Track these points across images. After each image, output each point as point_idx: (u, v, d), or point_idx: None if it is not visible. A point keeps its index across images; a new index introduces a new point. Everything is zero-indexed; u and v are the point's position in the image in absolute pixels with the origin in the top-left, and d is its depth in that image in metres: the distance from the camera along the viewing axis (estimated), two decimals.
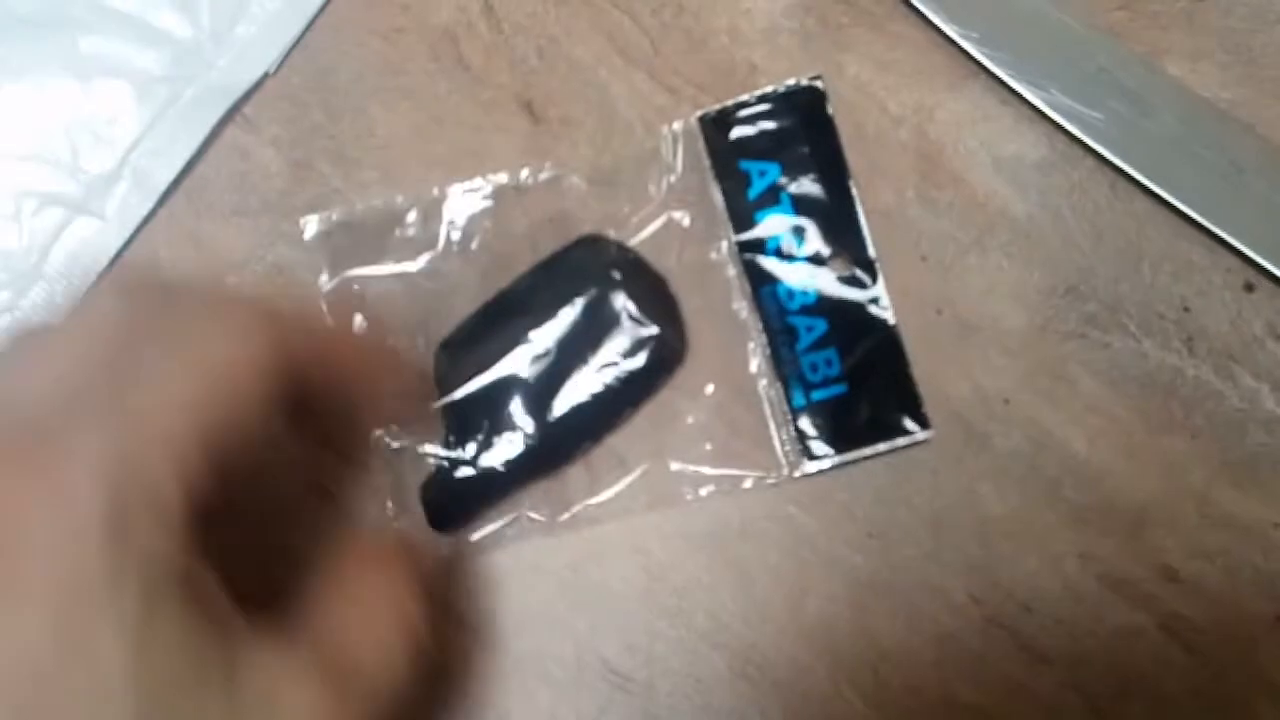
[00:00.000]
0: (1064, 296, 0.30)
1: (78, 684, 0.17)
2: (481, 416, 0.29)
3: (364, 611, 0.23)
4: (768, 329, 0.29)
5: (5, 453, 0.18)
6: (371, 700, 0.21)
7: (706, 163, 0.30)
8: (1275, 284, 0.29)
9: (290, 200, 0.31)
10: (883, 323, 0.29)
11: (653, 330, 0.29)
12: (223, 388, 0.19)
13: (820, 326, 0.29)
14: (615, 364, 0.29)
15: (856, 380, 0.29)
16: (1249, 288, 0.29)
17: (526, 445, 0.29)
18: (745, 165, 0.30)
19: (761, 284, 0.30)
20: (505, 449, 0.29)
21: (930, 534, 0.29)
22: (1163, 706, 0.28)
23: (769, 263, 0.30)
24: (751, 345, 0.30)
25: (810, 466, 0.29)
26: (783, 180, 0.30)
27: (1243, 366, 0.29)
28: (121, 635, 0.17)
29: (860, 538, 0.29)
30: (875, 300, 0.29)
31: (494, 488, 0.29)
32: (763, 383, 0.30)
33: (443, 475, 0.29)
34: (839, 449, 0.29)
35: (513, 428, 0.29)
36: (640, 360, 0.29)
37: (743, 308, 0.30)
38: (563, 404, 0.29)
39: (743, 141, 0.30)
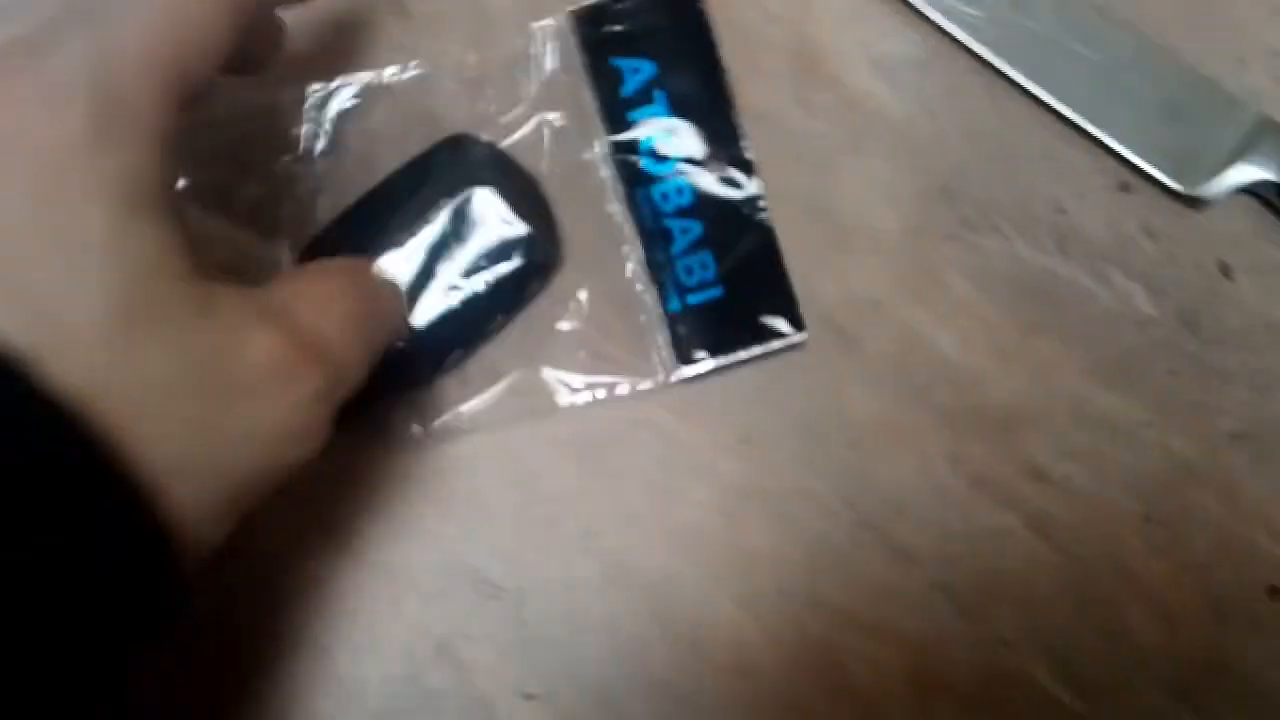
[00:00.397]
0: (939, 198, 0.29)
1: (57, 244, 0.18)
2: None
3: (326, 292, 0.23)
4: (642, 232, 0.29)
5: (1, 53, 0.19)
6: (328, 370, 0.21)
7: (578, 61, 0.29)
8: (1150, 183, 0.29)
9: None
10: (759, 224, 0.29)
11: (524, 231, 0.28)
12: (193, 13, 0.20)
13: (695, 229, 0.29)
14: (485, 268, 0.28)
15: (732, 283, 0.29)
16: (1124, 187, 0.29)
17: (394, 352, 0.28)
18: (617, 63, 0.29)
19: (636, 186, 0.29)
20: None
21: (801, 438, 0.29)
22: (1031, 605, 0.29)
23: (644, 164, 0.29)
24: (626, 249, 0.29)
25: (686, 371, 0.29)
26: (657, 78, 0.29)
27: (1116, 267, 0.29)
28: (103, 215, 0.18)
29: (732, 443, 0.29)
30: (752, 201, 0.29)
31: (361, 396, 0.29)
32: (638, 287, 0.29)
33: None
34: (715, 353, 0.29)
35: None
36: (513, 264, 0.28)
37: (617, 210, 0.29)
38: (431, 310, 0.28)
39: (615, 38, 0.29)
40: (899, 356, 0.29)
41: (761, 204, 0.29)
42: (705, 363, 0.29)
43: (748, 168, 0.29)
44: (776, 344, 0.29)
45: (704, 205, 0.29)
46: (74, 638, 0.17)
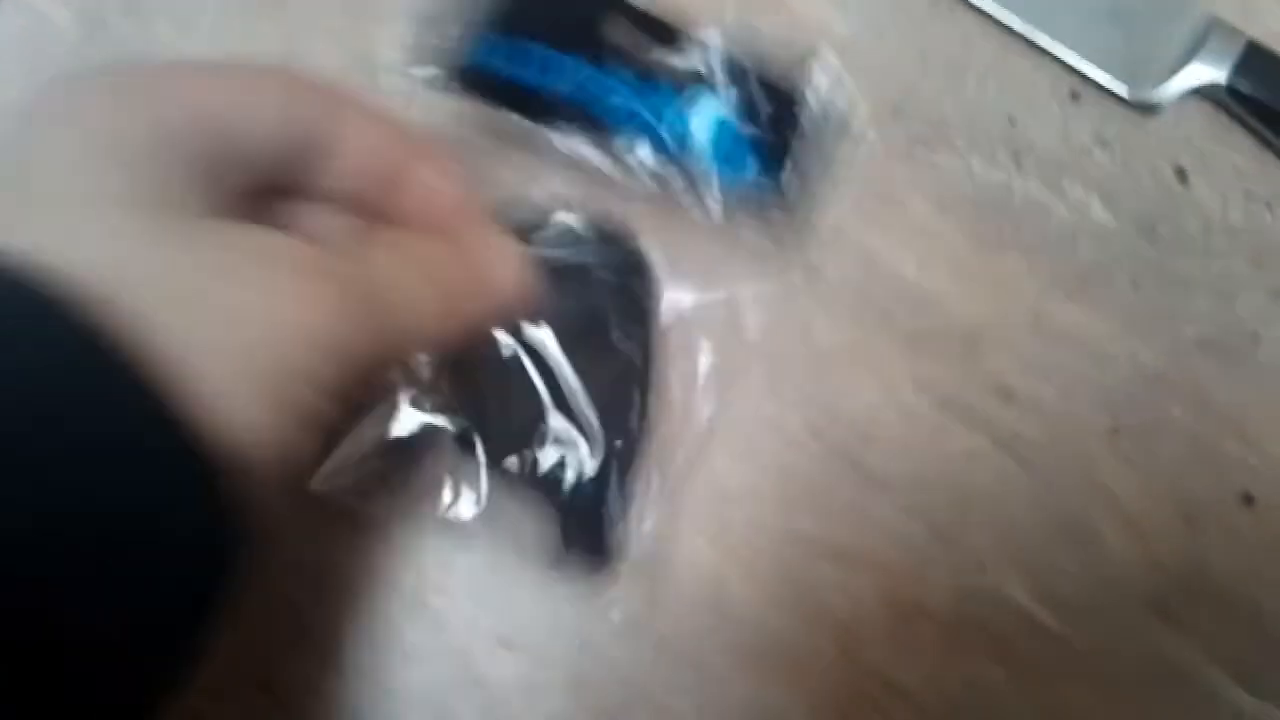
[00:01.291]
0: (889, 118, 0.29)
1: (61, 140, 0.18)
2: None
3: (412, 248, 0.22)
4: None
5: None
6: (375, 319, 0.20)
7: None
8: (1100, 92, 0.29)
9: (84, 62, 0.30)
10: None
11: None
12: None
13: None
14: None
15: None
16: (1074, 96, 0.30)
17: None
18: None
19: None
20: None
21: (765, 369, 0.29)
22: (1003, 524, 0.29)
23: None
24: None
25: None
26: None
27: (1072, 178, 0.29)
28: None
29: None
30: None
31: None
32: None
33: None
34: None
35: None
36: None
37: None
38: None
39: None
40: (860, 282, 0.29)
41: None
42: None
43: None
44: None
45: None
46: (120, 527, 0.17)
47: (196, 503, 0.17)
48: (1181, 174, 0.29)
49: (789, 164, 0.26)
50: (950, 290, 0.29)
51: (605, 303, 0.27)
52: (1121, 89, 0.29)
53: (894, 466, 0.29)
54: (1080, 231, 0.29)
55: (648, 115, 0.27)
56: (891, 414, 0.29)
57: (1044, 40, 0.29)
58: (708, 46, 0.26)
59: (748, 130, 0.26)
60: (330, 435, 0.26)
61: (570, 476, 0.27)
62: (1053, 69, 0.29)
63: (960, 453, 0.29)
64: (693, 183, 0.26)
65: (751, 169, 0.26)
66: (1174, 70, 0.28)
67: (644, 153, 0.27)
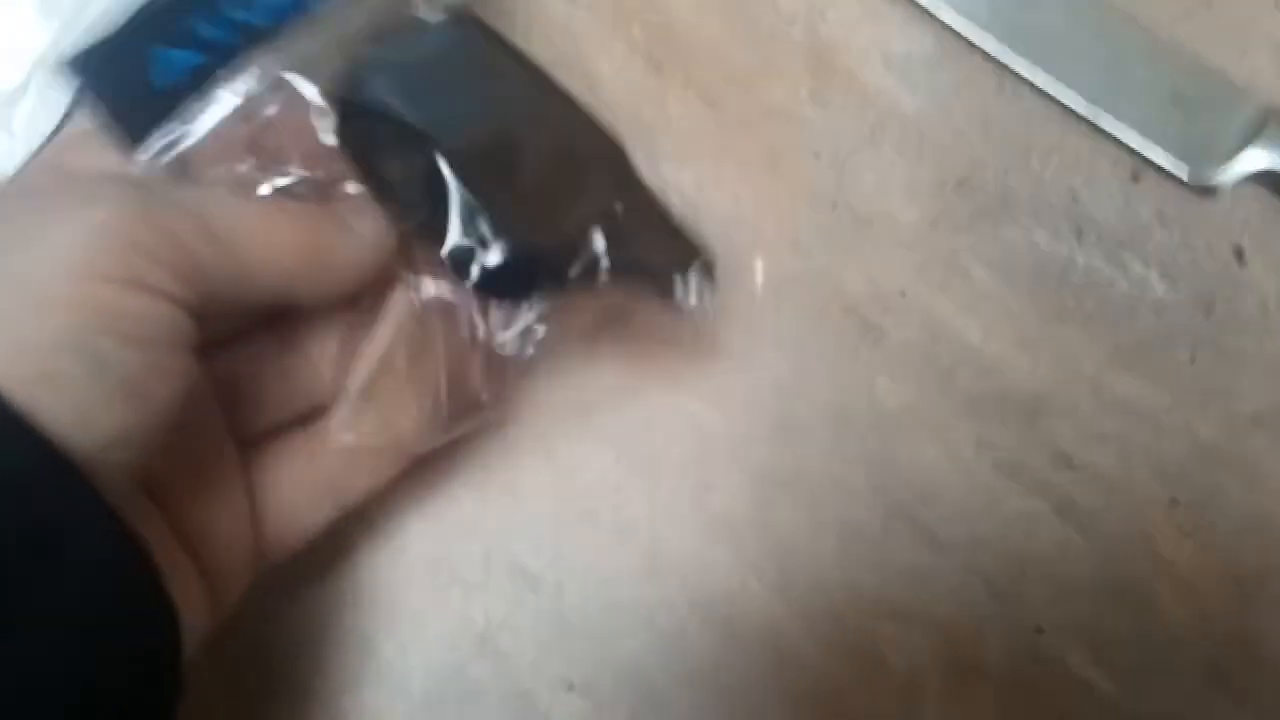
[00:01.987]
0: (955, 190, 0.31)
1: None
2: None
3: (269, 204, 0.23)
4: None
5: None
6: (198, 244, 0.21)
7: None
8: (1161, 173, 0.31)
9: None
10: None
11: None
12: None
13: None
14: None
15: None
16: (1135, 177, 0.31)
17: None
18: None
19: None
20: None
21: (830, 427, 0.31)
22: (1062, 588, 0.30)
23: None
24: None
25: None
26: None
27: (1132, 253, 0.31)
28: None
29: (764, 433, 0.31)
30: None
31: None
32: None
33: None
34: None
35: None
36: None
37: None
38: None
39: None
40: (924, 345, 0.31)
41: None
42: None
43: None
44: None
45: None
46: None
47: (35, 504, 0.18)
48: (1239, 254, 0.31)
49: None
50: (1013, 357, 0.31)
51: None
52: (1181, 171, 0.30)
53: (954, 527, 0.30)
54: (1140, 305, 0.31)
55: None
56: (952, 475, 0.30)
57: (1106, 122, 0.31)
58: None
59: None
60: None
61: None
62: (1115, 149, 0.31)
63: (1019, 515, 0.30)
64: None
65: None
66: (1232, 155, 0.30)
67: None
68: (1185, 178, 0.31)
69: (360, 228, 0.24)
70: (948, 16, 0.31)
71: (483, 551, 0.30)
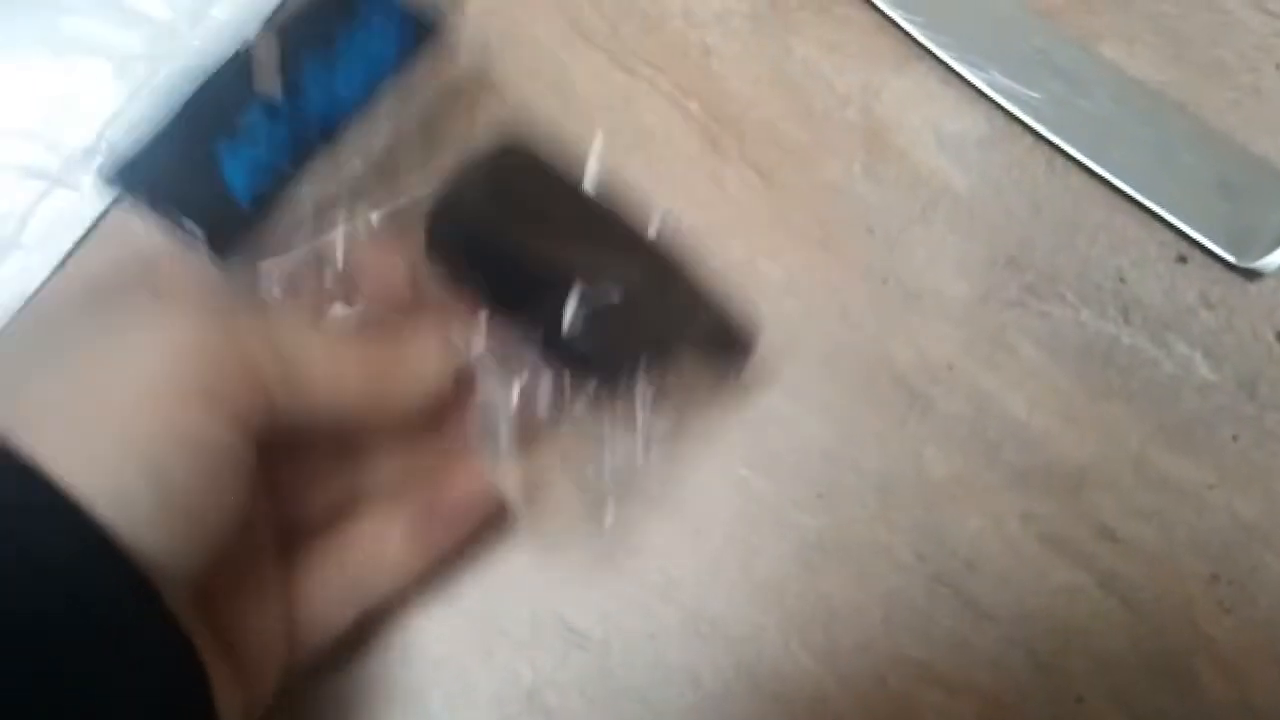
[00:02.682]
0: (1004, 267, 0.33)
1: None
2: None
3: (340, 338, 0.25)
4: None
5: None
6: (270, 374, 0.23)
7: None
8: (1206, 256, 0.32)
9: None
10: None
11: None
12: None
13: None
14: None
15: None
16: (1182, 260, 0.33)
17: None
18: None
19: None
20: None
21: (877, 495, 0.32)
22: (1104, 661, 0.31)
23: None
24: None
25: None
26: None
27: (1177, 335, 0.32)
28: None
29: (810, 499, 0.32)
30: None
31: None
32: None
33: None
34: None
35: None
36: None
37: None
38: None
39: None
40: (971, 418, 0.32)
41: None
42: None
43: None
44: None
45: None
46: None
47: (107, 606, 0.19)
48: None
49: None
50: (1058, 431, 0.32)
51: None
52: (1227, 255, 0.31)
53: (998, 597, 0.31)
54: (1184, 385, 0.32)
55: None
56: (996, 545, 0.31)
57: (1154, 205, 0.32)
58: None
59: None
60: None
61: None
62: (1162, 231, 0.32)
63: (1062, 587, 0.31)
64: None
65: None
66: (1277, 241, 0.31)
67: None
68: (1231, 261, 0.32)
69: (423, 365, 0.26)
70: (1000, 98, 0.33)
71: (530, 608, 0.32)
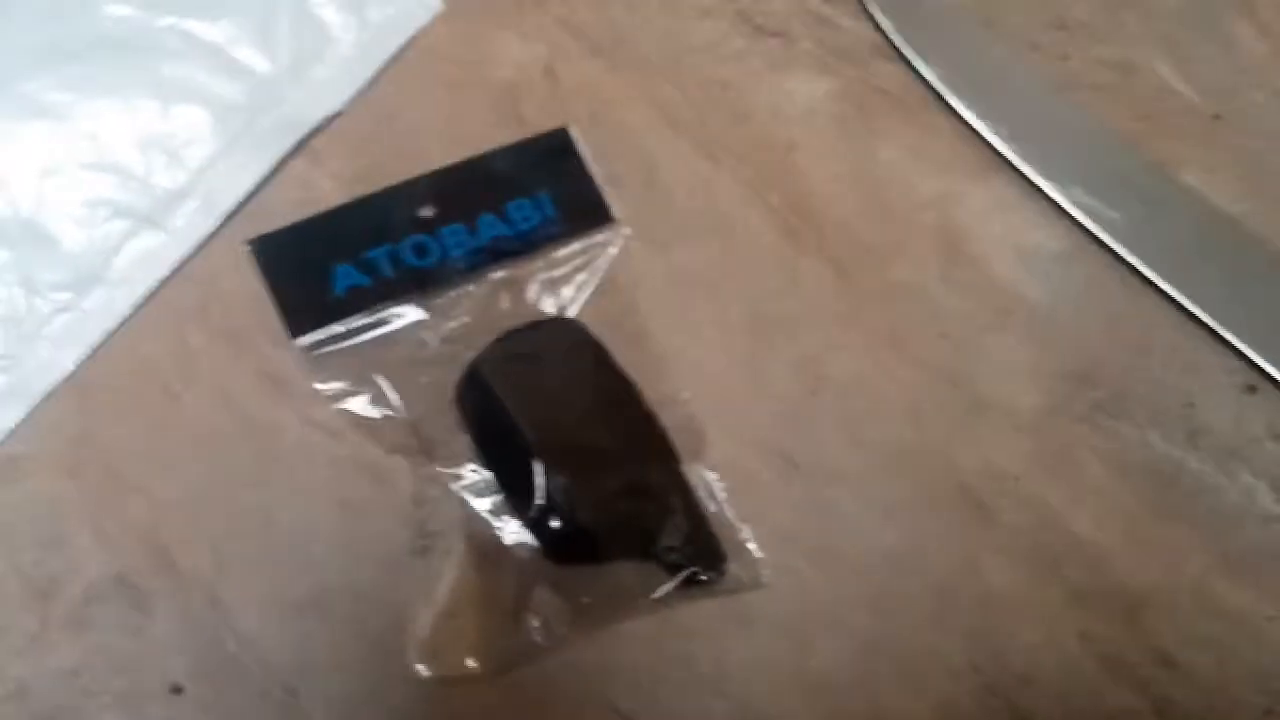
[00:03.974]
0: (1075, 382, 0.34)
1: None
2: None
3: None
4: None
5: None
6: None
7: None
8: (1275, 387, 0.34)
9: None
10: None
11: None
12: None
13: None
14: None
15: None
16: (1251, 389, 0.34)
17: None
18: None
19: None
20: None
21: (935, 600, 0.33)
22: None
23: None
24: None
25: None
26: None
27: (1243, 464, 0.34)
28: None
29: (867, 599, 0.33)
30: None
31: None
32: None
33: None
34: None
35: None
36: None
37: None
38: None
39: None
40: (1033, 531, 0.33)
41: None
42: None
43: None
44: None
45: None
46: None
47: None
48: None
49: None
50: (1120, 551, 0.33)
51: None
52: None
53: (1050, 714, 0.32)
54: (1247, 515, 0.33)
55: None
56: (1052, 661, 0.33)
57: (1227, 333, 0.34)
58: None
59: None
60: None
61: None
62: (1232, 359, 0.34)
63: (1116, 710, 0.32)
64: None
65: None
66: None
67: None
68: None
69: None
70: (1080, 214, 0.35)
71: (579, 690, 0.33)
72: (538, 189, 0.35)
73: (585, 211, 0.35)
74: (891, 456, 0.34)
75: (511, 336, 0.34)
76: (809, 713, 0.33)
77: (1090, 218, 0.35)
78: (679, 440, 0.34)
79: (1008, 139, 0.35)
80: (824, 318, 0.36)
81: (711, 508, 0.33)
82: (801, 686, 0.33)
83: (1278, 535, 0.33)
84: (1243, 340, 0.34)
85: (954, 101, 0.36)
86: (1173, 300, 0.34)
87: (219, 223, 0.36)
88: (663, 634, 0.33)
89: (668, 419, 0.34)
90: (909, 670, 0.33)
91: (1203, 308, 0.34)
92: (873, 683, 0.33)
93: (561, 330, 0.34)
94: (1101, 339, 0.34)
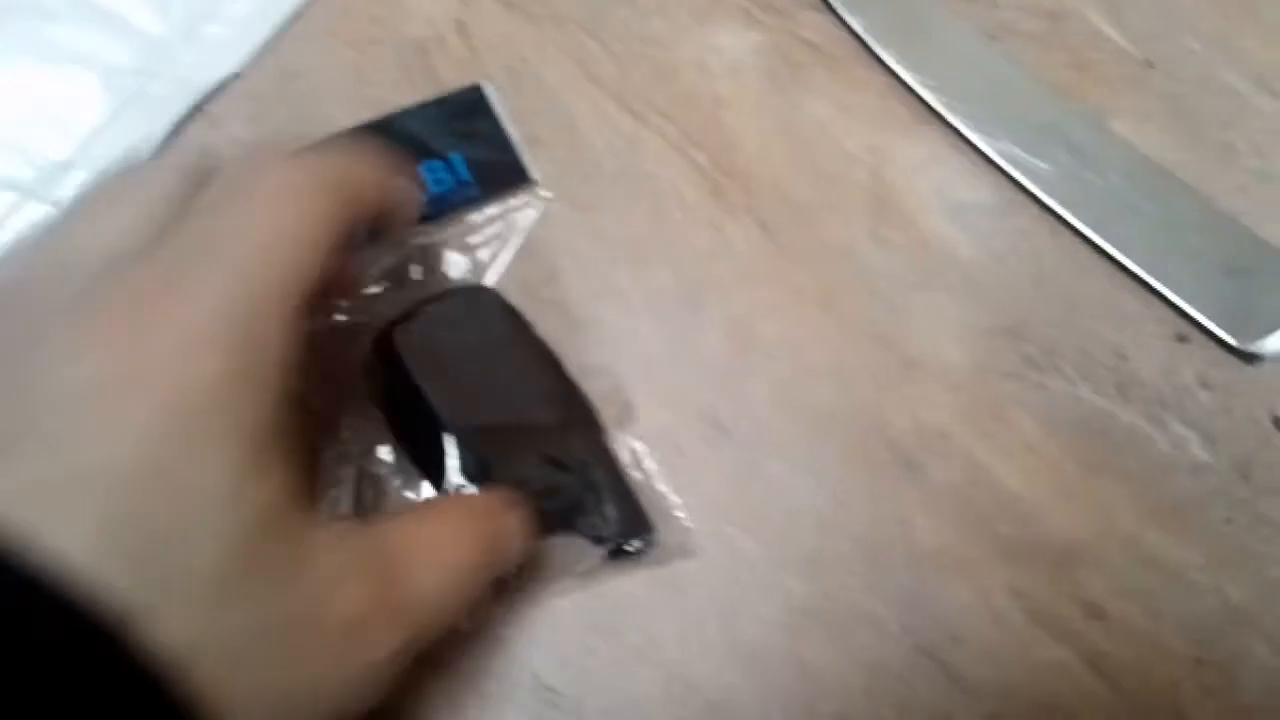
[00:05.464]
0: (1004, 337, 0.36)
1: (179, 494, 0.20)
2: None
3: (440, 539, 0.27)
4: None
5: (137, 293, 0.22)
6: (410, 632, 0.25)
7: None
8: (1207, 337, 0.36)
9: None
10: None
11: None
12: (308, 245, 0.24)
13: None
14: None
15: None
16: (1181, 339, 0.36)
17: None
18: None
19: None
20: None
21: (866, 562, 0.35)
22: None
23: None
24: None
25: None
26: None
27: (1173, 414, 0.36)
28: (226, 463, 0.21)
29: (798, 563, 0.35)
30: None
31: None
32: None
33: None
34: None
35: None
36: None
37: None
38: None
39: None
40: (963, 488, 0.35)
41: None
42: None
43: None
44: None
45: None
46: None
47: None
48: (1278, 422, 0.36)
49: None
50: (1050, 506, 0.35)
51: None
52: (1228, 338, 0.35)
53: (982, 671, 0.35)
54: (1178, 465, 0.35)
55: None
56: (983, 619, 0.35)
57: (1157, 283, 0.36)
58: None
59: None
60: None
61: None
62: (1163, 310, 0.36)
63: (1047, 664, 0.35)
64: None
65: None
66: (1279, 325, 0.35)
67: None
68: (1231, 343, 0.36)
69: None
70: (1009, 167, 0.36)
71: (506, 663, 0.34)
72: (451, 151, 0.36)
73: (502, 174, 0.37)
74: (821, 418, 0.36)
75: (423, 307, 0.35)
76: (741, 678, 0.35)
77: (1020, 170, 0.37)
78: (604, 409, 0.35)
79: (936, 91, 0.37)
80: (752, 279, 0.37)
81: (639, 477, 0.35)
82: (733, 653, 0.35)
83: (1208, 485, 0.36)
84: (1173, 290, 0.36)
85: (882, 53, 0.37)
86: (1103, 252, 0.36)
87: None
88: (591, 606, 0.35)
89: (592, 388, 0.35)
90: (840, 633, 0.35)
91: (1133, 258, 0.36)
92: (804, 648, 0.35)
93: (477, 299, 0.35)
94: (1031, 293, 0.36)
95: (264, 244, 0.23)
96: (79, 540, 0.19)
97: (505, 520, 0.30)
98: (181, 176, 0.25)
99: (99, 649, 0.19)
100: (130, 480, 0.20)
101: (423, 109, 0.37)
